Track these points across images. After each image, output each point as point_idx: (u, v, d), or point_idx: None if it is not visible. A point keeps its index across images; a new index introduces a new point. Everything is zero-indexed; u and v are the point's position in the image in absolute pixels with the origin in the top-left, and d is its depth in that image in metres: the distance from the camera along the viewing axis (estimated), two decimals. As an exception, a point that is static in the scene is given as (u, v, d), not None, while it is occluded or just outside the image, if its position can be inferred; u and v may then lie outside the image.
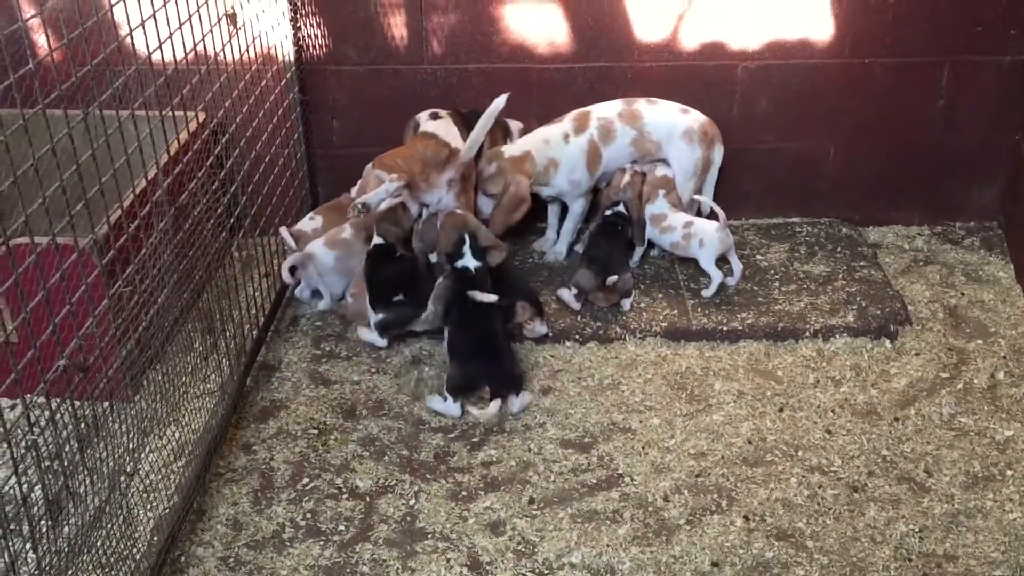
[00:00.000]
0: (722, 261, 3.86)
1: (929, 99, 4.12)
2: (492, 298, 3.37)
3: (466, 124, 3.82)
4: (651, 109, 3.91)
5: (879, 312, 3.72)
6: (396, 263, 3.61)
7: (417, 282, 3.56)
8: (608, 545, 2.83)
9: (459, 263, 3.46)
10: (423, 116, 3.90)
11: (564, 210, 4.10)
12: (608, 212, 3.92)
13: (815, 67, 4.06)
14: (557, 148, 3.85)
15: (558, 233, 4.17)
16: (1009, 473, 3.06)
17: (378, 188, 3.46)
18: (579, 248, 4.09)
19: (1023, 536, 2.83)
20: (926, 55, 4.03)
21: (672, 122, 3.91)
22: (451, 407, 3.30)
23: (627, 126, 3.89)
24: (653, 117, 3.90)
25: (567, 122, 3.89)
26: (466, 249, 3.45)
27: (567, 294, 3.79)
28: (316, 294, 3.87)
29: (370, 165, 3.73)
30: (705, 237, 3.78)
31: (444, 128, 3.76)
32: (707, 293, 3.80)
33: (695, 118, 3.94)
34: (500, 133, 3.97)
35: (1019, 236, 4.08)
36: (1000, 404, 3.34)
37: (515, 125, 4.04)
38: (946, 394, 3.39)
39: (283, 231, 3.84)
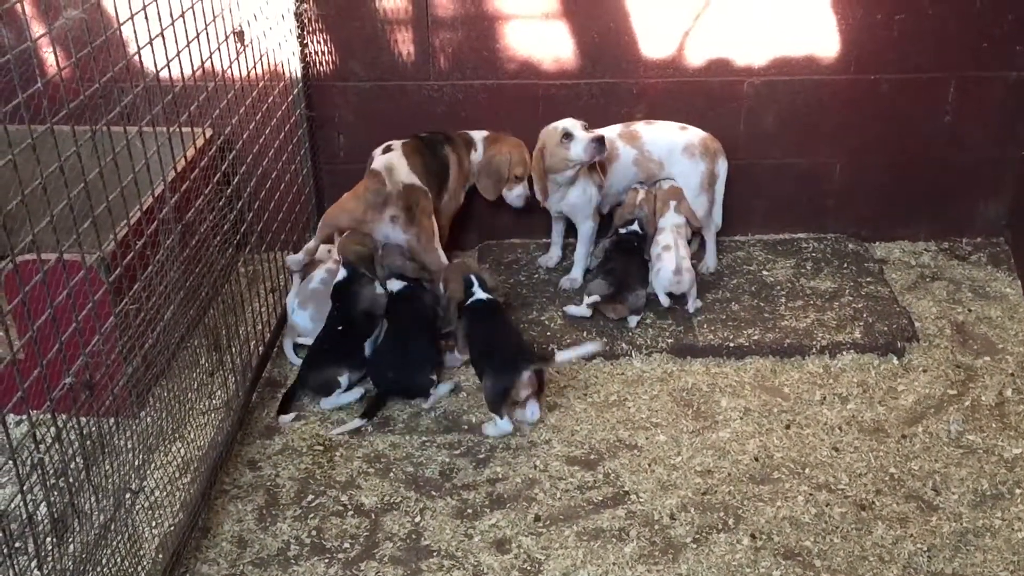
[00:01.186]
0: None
1: (935, 115, 4.12)
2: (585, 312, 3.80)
3: (427, 147, 3.87)
4: (648, 128, 3.95)
5: (886, 328, 3.71)
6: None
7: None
8: (614, 563, 2.82)
9: (471, 300, 3.53)
10: (377, 151, 3.90)
11: (568, 226, 4.10)
12: (623, 230, 3.92)
13: (821, 83, 4.06)
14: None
15: (562, 249, 4.18)
16: (1018, 491, 3.04)
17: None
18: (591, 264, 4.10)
19: (1032, 555, 2.81)
20: (932, 71, 4.03)
21: (671, 139, 3.94)
22: (504, 425, 3.31)
23: (628, 146, 3.92)
24: (651, 136, 3.94)
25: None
26: (476, 289, 3.53)
27: (575, 309, 3.79)
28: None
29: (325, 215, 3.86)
30: (661, 272, 3.77)
31: (394, 161, 3.75)
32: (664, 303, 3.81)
33: (694, 133, 3.96)
34: (464, 146, 3.96)
35: (1026, 252, 4.08)
36: (1008, 421, 3.32)
37: (478, 135, 4.00)
38: (953, 411, 3.37)
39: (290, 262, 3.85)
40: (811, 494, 3.04)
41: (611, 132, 3.92)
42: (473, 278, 3.55)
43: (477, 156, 3.96)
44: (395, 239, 3.70)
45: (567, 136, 3.67)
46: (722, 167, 4.01)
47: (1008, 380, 3.51)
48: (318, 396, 3.48)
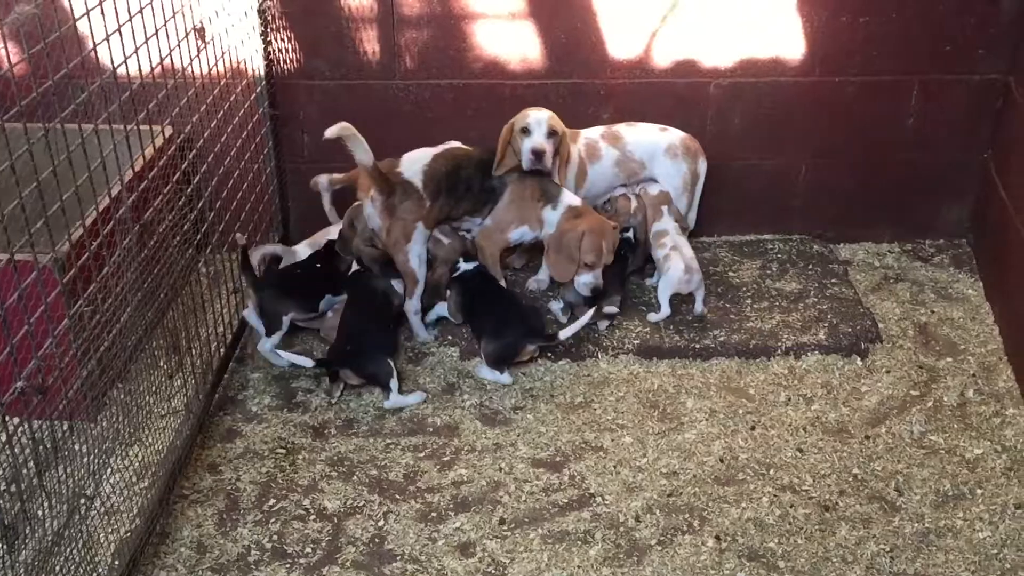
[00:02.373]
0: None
1: (899, 117, 4.14)
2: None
3: (475, 165, 3.71)
4: (631, 130, 3.95)
5: (850, 330, 3.73)
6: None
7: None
8: (579, 566, 2.80)
9: (458, 272, 3.77)
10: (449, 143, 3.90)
11: None
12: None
13: (787, 85, 4.07)
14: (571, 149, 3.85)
15: None
16: (979, 491, 3.06)
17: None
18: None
19: (993, 555, 2.83)
20: (896, 74, 4.05)
21: (653, 141, 3.94)
22: (504, 378, 3.51)
23: (610, 147, 3.91)
24: (634, 137, 3.93)
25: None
26: (460, 263, 3.77)
27: (556, 306, 3.80)
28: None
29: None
30: (671, 271, 3.76)
31: (422, 156, 3.67)
32: (651, 318, 3.79)
33: (675, 134, 3.97)
34: (538, 192, 3.70)
35: (988, 254, 4.11)
36: (969, 422, 3.35)
37: (567, 198, 3.71)
38: (916, 412, 3.39)
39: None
40: (775, 495, 3.04)
41: (593, 133, 3.91)
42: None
43: (551, 215, 3.67)
44: (372, 222, 3.64)
45: (524, 131, 3.65)
46: (702, 167, 4.02)
47: (970, 381, 3.54)
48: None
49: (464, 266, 3.74)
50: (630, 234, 3.90)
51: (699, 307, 3.81)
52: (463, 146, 3.75)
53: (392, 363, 3.46)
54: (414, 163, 3.59)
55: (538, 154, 3.60)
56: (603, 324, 3.74)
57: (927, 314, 3.92)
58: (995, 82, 4.04)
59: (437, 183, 3.57)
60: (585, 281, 3.62)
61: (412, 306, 3.71)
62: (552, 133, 3.64)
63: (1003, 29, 3.93)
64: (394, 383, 3.41)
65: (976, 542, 2.88)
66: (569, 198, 3.67)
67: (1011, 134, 3.93)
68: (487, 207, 3.71)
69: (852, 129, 4.17)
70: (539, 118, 3.64)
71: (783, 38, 3.98)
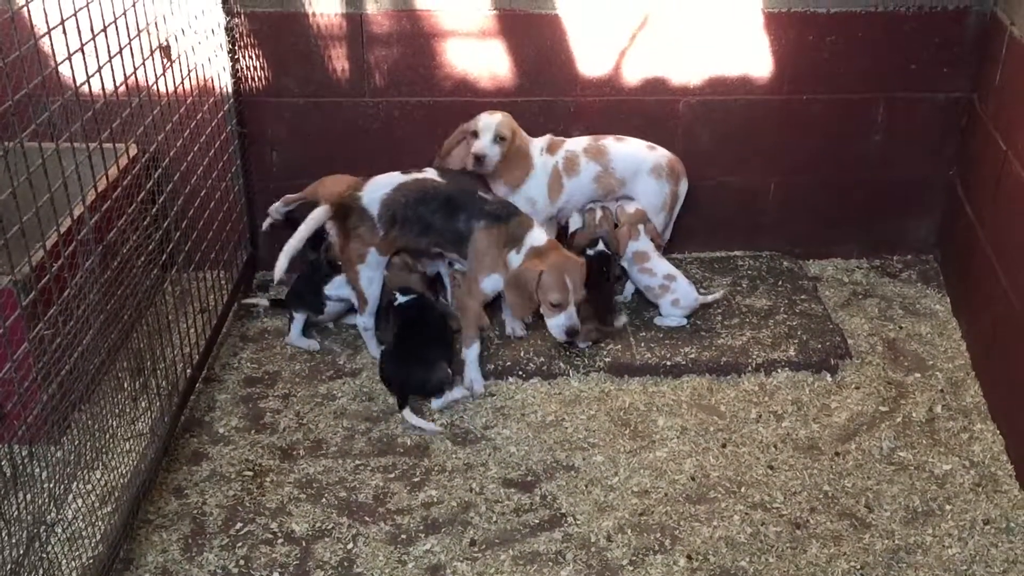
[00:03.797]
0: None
1: (866, 135, 4.18)
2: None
3: (442, 202, 3.55)
4: (618, 146, 3.91)
5: (820, 346, 3.75)
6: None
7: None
8: (550, 588, 2.78)
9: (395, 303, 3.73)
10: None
11: None
12: (590, 252, 3.84)
13: (755, 103, 4.10)
14: (536, 158, 3.84)
15: None
16: (948, 508, 3.07)
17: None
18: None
19: (962, 571, 2.84)
20: (862, 92, 4.09)
21: (640, 159, 3.92)
22: (427, 425, 3.44)
23: (592, 161, 3.87)
24: (619, 153, 3.90)
25: (544, 139, 3.90)
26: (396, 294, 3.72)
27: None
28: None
29: None
30: (683, 299, 3.82)
31: (387, 181, 3.59)
32: (660, 321, 3.86)
33: (662, 154, 3.95)
34: (504, 235, 3.53)
35: (955, 269, 4.15)
36: (938, 438, 3.37)
37: (535, 236, 3.55)
38: (886, 428, 3.41)
39: None
40: (747, 513, 3.04)
41: (577, 145, 3.89)
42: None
43: (514, 259, 3.48)
44: (332, 238, 3.65)
45: (475, 134, 3.68)
46: (683, 189, 4.02)
47: (938, 396, 3.57)
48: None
49: (400, 298, 3.68)
50: (601, 245, 3.87)
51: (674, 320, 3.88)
52: (437, 178, 3.58)
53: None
54: (376, 190, 3.51)
55: (478, 158, 3.65)
56: (583, 344, 3.72)
57: (895, 330, 3.95)
58: (960, 100, 4.09)
59: (393, 214, 3.48)
60: (558, 324, 3.45)
61: (362, 322, 3.71)
62: (500, 138, 3.66)
63: (967, 48, 3.98)
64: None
65: (946, 558, 2.89)
66: (534, 238, 3.46)
67: (976, 151, 3.98)
68: (459, 248, 3.55)
69: (820, 146, 4.20)
70: (488, 123, 3.68)
71: (751, 56, 4.01)
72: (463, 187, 3.54)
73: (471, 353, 3.59)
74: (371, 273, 3.59)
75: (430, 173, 3.60)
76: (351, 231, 3.52)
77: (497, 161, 3.68)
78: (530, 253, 3.45)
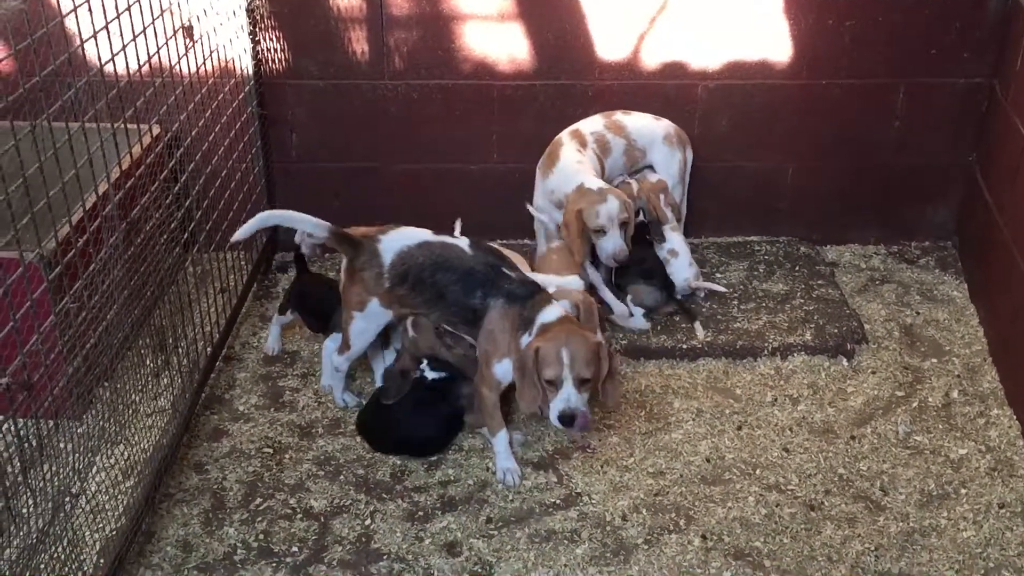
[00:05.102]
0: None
1: (885, 120, 4.17)
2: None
3: (460, 277, 3.09)
4: (630, 119, 3.97)
5: (836, 331, 3.75)
6: None
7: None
8: (566, 565, 2.80)
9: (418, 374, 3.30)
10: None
11: None
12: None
13: (774, 87, 4.09)
14: (574, 164, 3.74)
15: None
16: (963, 491, 3.08)
17: None
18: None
19: (977, 554, 2.85)
20: (882, 77, 4.08)
21: (652, 128, 3.98)
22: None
23: (617, 136, 3.92)
24: (635, 125, 3.96)
25: (569, 142, 3.80)
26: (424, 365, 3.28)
27: (635, 321, 3.74)
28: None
29: None
30: (674, 277, 3.85)
31: (396, 238, 3.21)
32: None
33: (668, 123, 4.02)
34: (517, 316, 3.03)
35: (973, 256, 4.14)
36: (954, 423, 3.37)
37: (550, 314, 3.00)
38: (901, 412, 3.41)
39: None
40: (761, 495, 3.06)
41: (596, 125, 3.91)
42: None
43: (524, 341, 2.97)
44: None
45: (599, 232, 3.56)
46: (690, 156, 4.08)
47: (954, 382, 3.56)
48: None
49: (429, 372, 3.24)
50: (642, 216, 3.89)
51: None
52: (467, 248, 3.10)
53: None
54: (397, 239, 3.11)
55: (620, 261, 3.59)
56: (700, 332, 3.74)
57: (912, 315, 3.95)
58: (980, 85, 4.07)
59: (407, 271, 3.07)
60: (552, 405, 2.89)
61: (337, 362, 3.35)
62: (624, 224, 3.58)
63: (988, 33, 3.96)
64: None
65: (960, 541, 2.90)
66: (545, 315, 2.95)
67: (996, 137, 3.96)
68: (472, 326, 3.10)
69: (839, 132, 4.19)
70: (611, 214, 3.52)
71: (770, 41, 4.00)
72: (489, 262, 3.07)
73: (498, 443, 3.15)
74: (366, 325, 3.20)
75: (462, 242, 3.14)
76: (356, 272, 3.13)
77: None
78: (539, 331, 2.93)
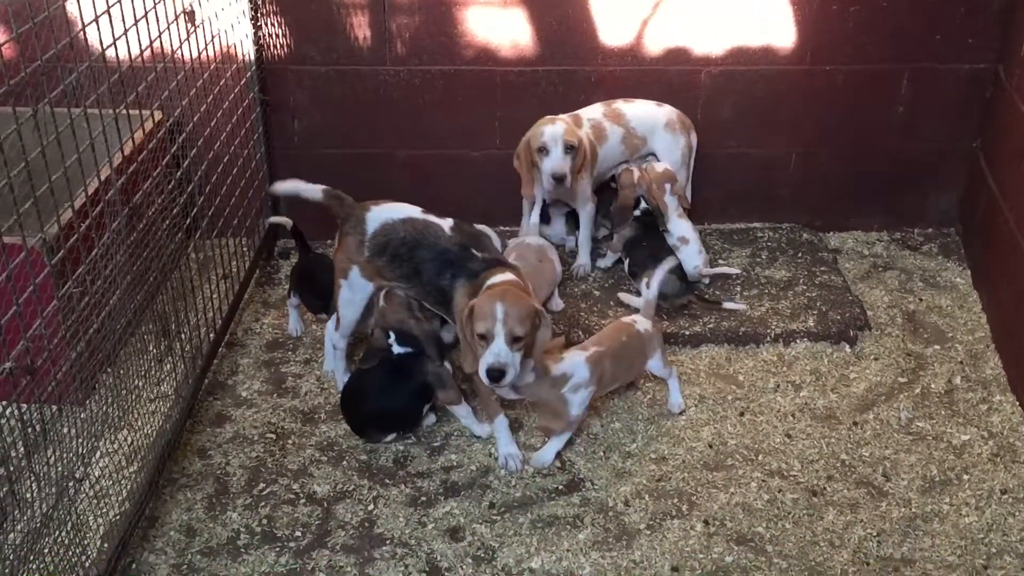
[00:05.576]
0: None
1: (889, 106, 4.15)
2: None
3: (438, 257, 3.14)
4: (630, 106, 3.96)
5: (839, 317, 3.74)
6: None
7: None
8: (568, 550, 2.81)
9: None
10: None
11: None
12: (638, 212, 3.88)
13: (778, 73, 4.08)
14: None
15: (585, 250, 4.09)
16: (965, 477, 3.08)
17: None
18: (605, 261, 4.04)
19: (979, 540, 2.85)
20: (886, 63, 4.06)
21: (653, 116, 3.97)
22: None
23: (614, 125, 3.92)
24: (635, 113, 3.95)
25: (565, 119, 3.80)
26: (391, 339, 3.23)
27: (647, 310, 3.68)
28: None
29: None
30: (684, 264, 3.82)
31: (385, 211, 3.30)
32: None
33: (670, 109, 4.00)
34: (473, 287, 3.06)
35: (976, 242, 4.13)
36: (957, 409, 3.37)
37: (498, 278, 3.00)
38: (904, 399, 3.41)
39: None
40: (764, 480, 3.06)
41: (595, 112, 3.91)
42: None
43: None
44: None
45: (543, 150, 3.61)
46: (694, 141, 4.07)
47: (957, 368, 3.56)
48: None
49: (396, 346, 3.20)
50: (644, 203, 3.90)
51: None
52: (447, 229, 3.13)
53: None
54: (383, 212, 3.18)
55: (559, 178, 3.59)
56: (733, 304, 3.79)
57: (915, 302, 3.94)
58: (984, 71, 4.05)
59: (386, 242, 3.13)
60: (481, 360, 2.81)
61: (334, 339, 3.41)
62: (569, 148, 3.60)
63: (992, 18, 3.94)
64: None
65: (962, 527, 2.90)
66: (492, 280, 2.94)
67: (1000, 123, 3.95)
68: (446, 308, 3.13)
69: (842, 118, 4.18)
70: (555, 135, 3.59)
71: (774, 27, 3.98)
72: (462, 243, 3.09)
73: (499, 429, 3.17)
74: (351, 295, 3.25)
75: (446, 223, 3.16)
76: (343, 236, 3.22)
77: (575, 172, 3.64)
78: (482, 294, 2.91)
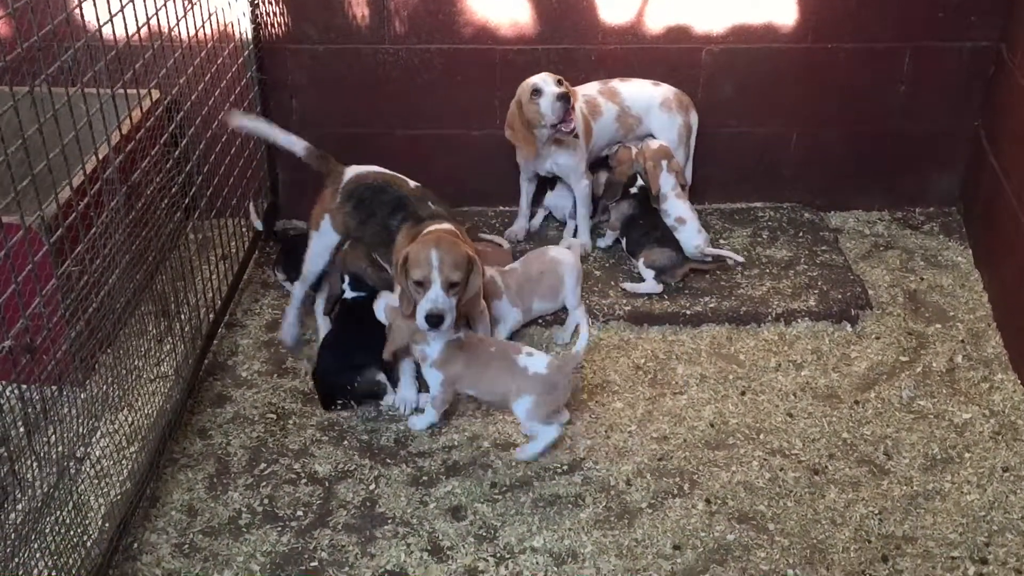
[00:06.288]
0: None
1: (891, 85, 4.13)
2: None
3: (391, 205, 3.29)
4: (626, 85, 3.95)
5: (840, 296, 3.74)
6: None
7: None
8: (570, 529, 2.81)
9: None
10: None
11: (538, 191, 4.11)
12: (634, 189, 3.89)
13: (779, 52, 4.05)
14: None
15: (528, 220, 4.15)
16: (967, 455, 3.08)
17: None
18: (604, 240, 4.04)
19: (980, 517, 2.85)
20: (888, 41, 4.03)
21: (649, 95, 3.96)
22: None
23: (609, 102, 3.91)
24: (629, 92, 3.94)
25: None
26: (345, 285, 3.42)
27: (646, 285, 3.73)
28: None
29: None
30: (684, 244, 3.82)
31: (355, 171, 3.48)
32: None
33: (668, 89, 3.99)
34: (413, 230, 3.18)
35: (978, 221, 4.12)
36: (958, 387, 3.37)
37: (433, 227, 3.11)
38: (905, 377, 3.41)
39: None
40: (765, 459, 3.06)
41: (590, 89, 3.90)
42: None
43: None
44: None
45: (536, 92, 3.61)
46: (694, 120, 4.05)
47: (959, 347, 3.56)
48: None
49: (349, 292, 3.37)
50: (640, 180, 3.89)
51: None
52: (410, 183, 3.31)
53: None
54: (360, 168, 3.36)
55: (563, 96, 3.55)
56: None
57: (917, 281, 3.93)
58: (987, 49, 4.02)
59: (354, 189, 3.29)
60: (420, 307, 2.91)
61: (295, 290, 3.51)
62: (560, 84, 3.60)
63: (996, -4, 3.92)
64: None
65: (964, 505, 2.90)
66: (431, 227, 3.04)
67: (1002, 102, 3.93)
68: (387, 249, 3.23)
69: (844, 96, 4.15)
70: (542, 76, 3.62)
71: (776, 4, 3.95)
72: (422, 197, 3.22)
73: (403, 370, 3.24)
74: (318, 247, 3.39)
75: (414, 183, 3.32)
76: (322, 191, 3.38)
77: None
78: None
